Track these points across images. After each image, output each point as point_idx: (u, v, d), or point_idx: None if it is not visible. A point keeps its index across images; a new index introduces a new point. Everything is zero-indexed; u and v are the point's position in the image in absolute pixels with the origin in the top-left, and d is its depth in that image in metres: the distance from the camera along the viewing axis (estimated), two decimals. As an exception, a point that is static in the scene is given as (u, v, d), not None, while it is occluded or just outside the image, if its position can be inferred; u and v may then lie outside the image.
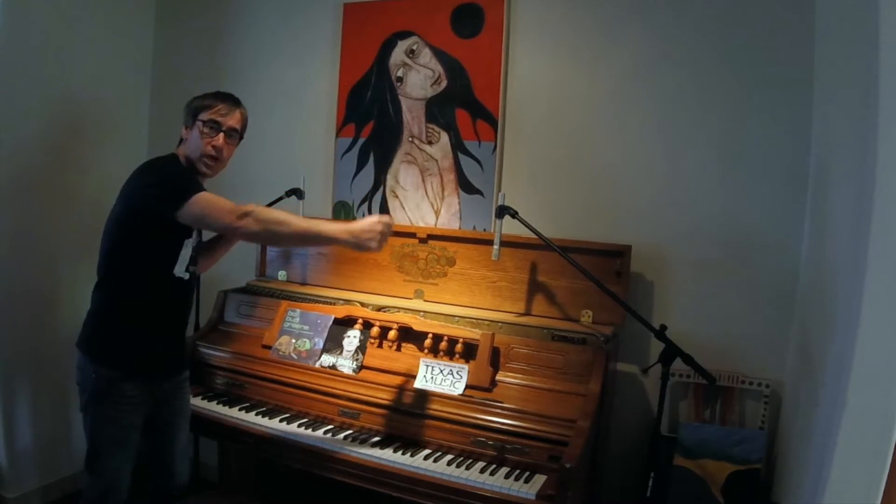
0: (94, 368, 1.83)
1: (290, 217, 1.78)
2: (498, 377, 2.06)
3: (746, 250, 2.20)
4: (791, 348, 2.13)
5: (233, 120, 1.92)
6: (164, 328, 1.93)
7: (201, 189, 1.78)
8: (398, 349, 2.21)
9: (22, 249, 2.66)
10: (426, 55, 2.61)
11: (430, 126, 2.62)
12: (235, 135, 1.94)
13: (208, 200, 1.74)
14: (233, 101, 1.94)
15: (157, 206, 1.74)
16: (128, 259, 1.83)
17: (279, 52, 2.93)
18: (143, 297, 1.85)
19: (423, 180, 2.64)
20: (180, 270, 1.90)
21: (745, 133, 2.19)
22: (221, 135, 1.89)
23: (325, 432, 2.02)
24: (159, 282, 1.86)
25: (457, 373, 2.05)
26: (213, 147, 1.87)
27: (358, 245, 1.77)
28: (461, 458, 1.90)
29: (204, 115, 1.87)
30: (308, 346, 2.26)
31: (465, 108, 2.54)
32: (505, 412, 1.93)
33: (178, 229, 1.84)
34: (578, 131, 2.41)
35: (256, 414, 2.14)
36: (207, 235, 2.09)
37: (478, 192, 2.55)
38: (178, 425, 2.05)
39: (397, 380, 2.10)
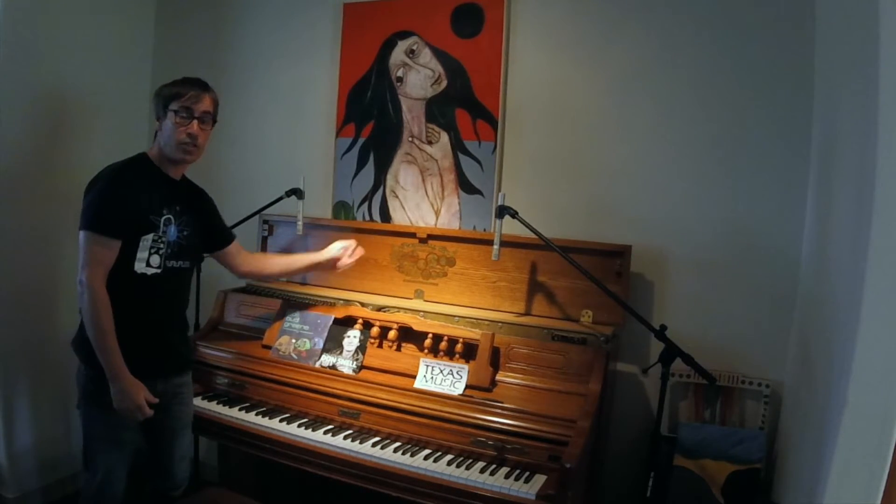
0: (85, 368, 1.85)
1: (101, 325, 1.77)
2: (498, 377, 2.06)
3: (747, 250, 2.20)
4: (791, 348, 2.13)
5: (204, 105, 1.92)
6: (142, 327, 1.88)
7: (113, 233, 1.79)
8: (398, 349, 2.21)
9: (22, 249, 2.66)
10: (426, 55, 2.61)
11: (430, 126, 2.62)
12: (209, 118, 1.95)
13: (89, 247, 1.78)
14: (201, 86, 1.93)
15: (82, 215, 1.81)
16: None
17: (279, 53, 2.93)
18: (120, 299, 1.82)
19: (423, 180, 2.64)
20: (142, 267, 1.86)
21: (745, 133, 2.19)
22: (195, 121, 1.90)
23: (325, 432, 2.02)
24: (122, 280, 1.82)
25: (457, 373, 2.05)
26: (188, 134, 1.88)
27: (115, 397, 1.80)
28: (461, 458, 1.90)
29: (175, 105, 1.87)
30: (308, 346, 2.26)
31: (465, 108, 2.54)
32: (505, 412, 1.93)
33: (135, 228, 1.83)
34: (578, 131, 2.41)
35: (256, 414, 2.14)
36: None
37: (478, 192, 2.55)
38: (177, 431, 2.05)
39: (397, 380, 2.11)
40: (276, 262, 2.38)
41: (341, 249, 2.37)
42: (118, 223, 1.80)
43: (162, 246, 1.90)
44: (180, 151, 1.90)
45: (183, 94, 1.88)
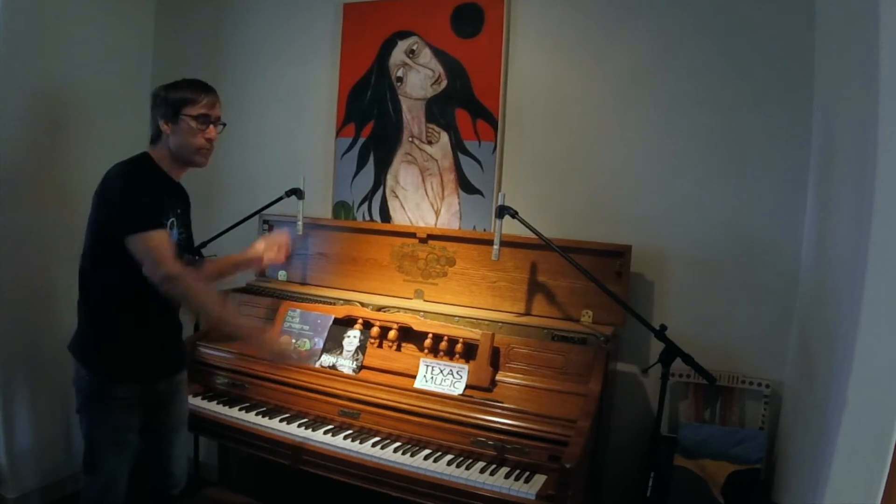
0: (86, 372, 1.83)
1: (208, 298, 1.80)
2: (498, 377, 2.06)
3: (747, 250, 2.20)
4: (791, 348, 2.13)
5: (217, 109, 1.93)
6: (150, 330, 1.90)
7: (156, 224, 1.78)
8: (398, 349, 2.21)
9: (21, 249, 2.65)
10: (426, 55, 2.61)
11: (430, 126, 2.62)
12: (220, 121, 1.96)
13: (149, 245, 1.75)
14: (212, 91, 1.93)
15: (114, 223, 1.78)
16: (103, 264, 1.82)
17: (279, 52, 2.93)
18: (123, 301, 1.83)
19: (423, 180, 2.64)
20: None
21: (745, 133, 2.19)
22: (212, 126, 1.91)
23: (325, 432, 2.02)
24: (137, 284, 1.81)
25: (457, 373, 2.05)
26: (208, 140, 1.90)
27: (265, 349, 1.88)
28: (461, 458, 1.90)
29: (190, 110, 1.86)
30: (308, 346, 2.26)
31: (465, 108, 2.54)
32: (505, 412, 1.93)
33: (161, 218, 1.83)
34: (578, 131, 2.41)
35: (256, 414, 2.14)
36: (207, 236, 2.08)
37: (478, 192, 2.55)
38: (176, 428, 2.05)
39: (397, 380, 2.11)
40: (206, 272, 2.20)
41: (263, 245, 2.22)
42: (157, 213, 1.81)
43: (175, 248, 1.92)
44: (200, 156, 1.91)
45: (198, 101, 1.87)
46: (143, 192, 1.81)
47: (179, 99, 1.87)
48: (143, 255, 1.75)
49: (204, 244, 2.55)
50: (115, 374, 1.83)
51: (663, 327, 1.90)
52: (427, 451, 1.94)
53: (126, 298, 1.83)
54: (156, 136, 1.91)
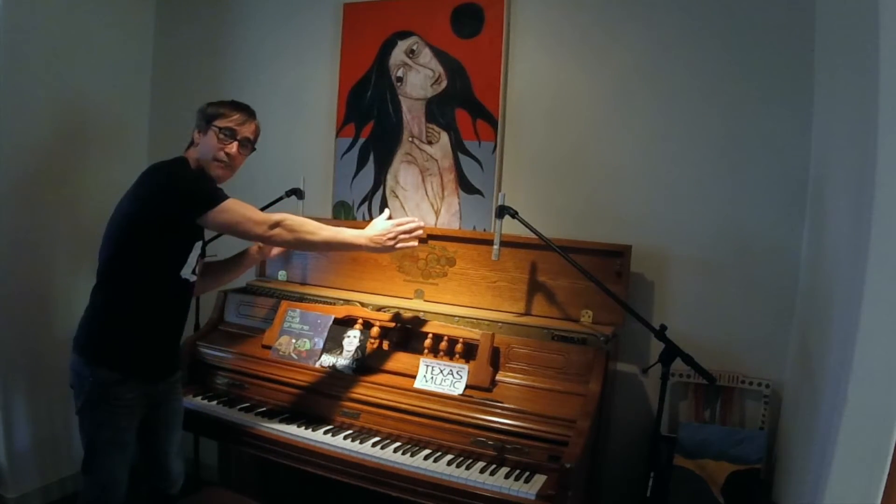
0: (92, 371, 1.83)
1: (316, 227, 1.87)
2: (498, 377, 2.06)
3: (747, 250, 2.20)
4: (791, 348, 2.13)
5: (248, 130, 1.96)
6: (165, 330, 1.94)
7: (224, 195, 1.81)
8: (398, 349, 2.21)
9: (21, 252, 2.66)
10: (426, 55, 2.61)
11: (430, 126, 2.62)
12: (249, 144, 1.98)
13: (238, 209, 1.80)
14: (249, 112, 1.98)
15: (181, 208, 1.78)
16: (137, 260, 1.83)
17: (279, 53, 2.93)
18: (149, 299, 1.86)
19: (423, 180, 2.64)
20: (187, 272, 1.92)
21: (745, 133, 2.19)
22: (236, 143, 1.93)
23: (325, 432, 2.02)
24: (166, 284, 1.87)
25: (457, 373, 2.05)
26: (227, 154, 1.91)
27: (377, 249, 1.94)
28: (461, 458, 1.90)
29: (220, 122, 1.90)
30: (308, 346, 2.26)
31: (465, 108, 2.54)
32: (505, 412, 1.93)
33: (192, 232, 1.86)
34: (579, 131, 2.41)
35: (256, 414, 2.14)
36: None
37: (478, 192, 2.55)
38: (173, 425, 2.06)
39: (397, 380, 2.10)
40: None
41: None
42: (218, 188, 1.85)
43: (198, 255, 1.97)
44: (215, 167, 1.92)
45: (230, 116, 1.92)
46: (199, 175, 1.87)
47: (215, 112, 1.92)
48: (234, 222, 1.79)
49: (205, 243, 2.55)
50: (126, 372, 1.83)
51: (663, 327, 1.90)
52: (427, 451, 1.94)
53: (163, 298, 1.87)
54: (188, 147, 1.97)
